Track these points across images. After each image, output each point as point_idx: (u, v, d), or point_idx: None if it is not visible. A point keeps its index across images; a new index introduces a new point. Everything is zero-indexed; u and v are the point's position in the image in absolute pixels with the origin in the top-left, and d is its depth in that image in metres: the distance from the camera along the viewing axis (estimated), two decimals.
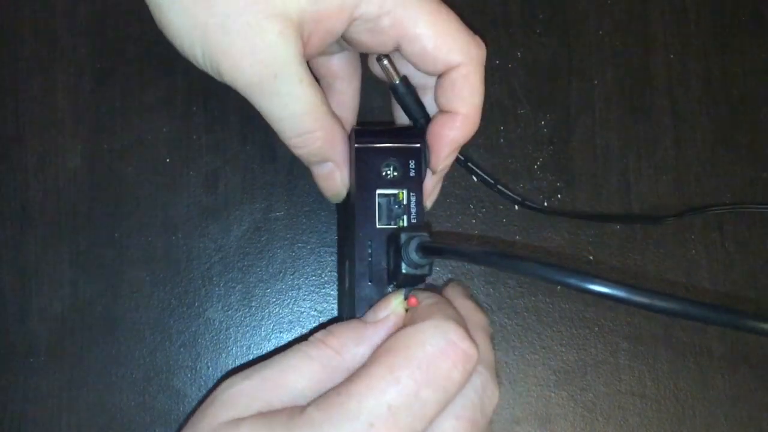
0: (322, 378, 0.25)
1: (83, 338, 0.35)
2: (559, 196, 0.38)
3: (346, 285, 0.31)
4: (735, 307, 0.20)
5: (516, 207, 0.38)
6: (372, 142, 0.30)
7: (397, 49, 0.30)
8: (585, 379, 0.37)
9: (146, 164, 0.37)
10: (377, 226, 0.29)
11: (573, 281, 0.21)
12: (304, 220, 0.37)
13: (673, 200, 0.38)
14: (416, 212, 0.30)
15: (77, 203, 0.36)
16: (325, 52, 0.32)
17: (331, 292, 0.36)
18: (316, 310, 0.36)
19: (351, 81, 0.34)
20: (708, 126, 0.39)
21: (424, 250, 0.27)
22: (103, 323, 0.35)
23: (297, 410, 0.24)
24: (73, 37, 0.37)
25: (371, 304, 0.28)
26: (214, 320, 0.36)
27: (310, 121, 0.29)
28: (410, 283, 0.28)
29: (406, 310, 0.27)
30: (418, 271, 0.27)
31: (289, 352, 0.26)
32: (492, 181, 0.36)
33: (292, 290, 0.36)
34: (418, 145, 0.30)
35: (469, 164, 0.35)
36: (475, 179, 0.38)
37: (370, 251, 0.29)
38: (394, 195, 0.30)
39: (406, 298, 0.27)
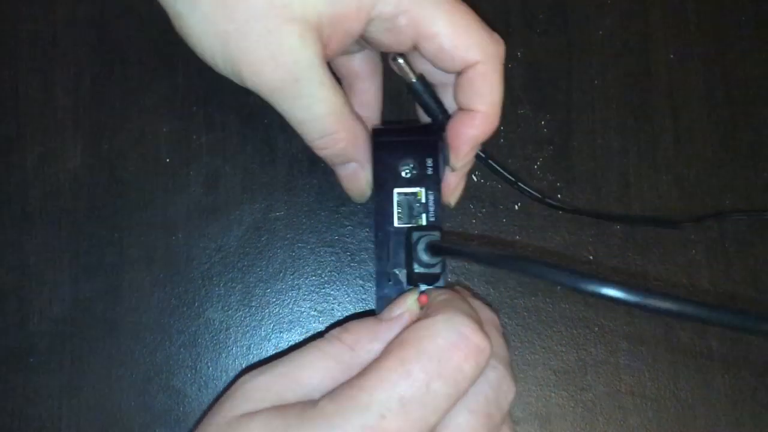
0: (336, 374, 0.25)
1: (83, 338, 0.35)
2: (559, 196, 0.38)
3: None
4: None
5: (516, 207, 0.38)
6: (389, 140, 0.30)
7: (416, 48, 0.30)
8: (585, 379, 0.37)
9: (146, 164, 0.37)
10: (395, 225, 0.30)
11: (582, 285, 0.21)
12: (304, 220, 0.37)
13: (673, 200, 0.38)
14: (434, 211, 0.30)
15: (77, 203, 0.36)
16: (345, 52, 0.32)
17: (331, 292, 0.36)
18: (316, 310, 0.36)
19: (372, 80, 0.34)
20: (708, 126, 0.39)
21: (433, 249, 0.27)
22: (103, 323, 0.35)
23: (310, 404, 0.24)
24: (73, 37, 0.37)
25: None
26: (214, 320, 0.36)
27: (332, 123, 0.29)
28: (425, 282, 0.29)
29: (421, 308, 0.27)
30: (430, 270, 0.28)
31: (305, 349, 0.26)
32: (513, 179, 0.36)
33: (292, 290, 0.36)
34: (436, 143, 0.30)
35: (490, 161, 0.35)
36: (475, 178, 0.38)
37: (388, 251, 0.29)
38: (413, 193, 0.30)
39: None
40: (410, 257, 0.28)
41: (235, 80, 0.28)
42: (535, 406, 0.36)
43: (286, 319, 0.36)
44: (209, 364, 0.36)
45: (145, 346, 0.35)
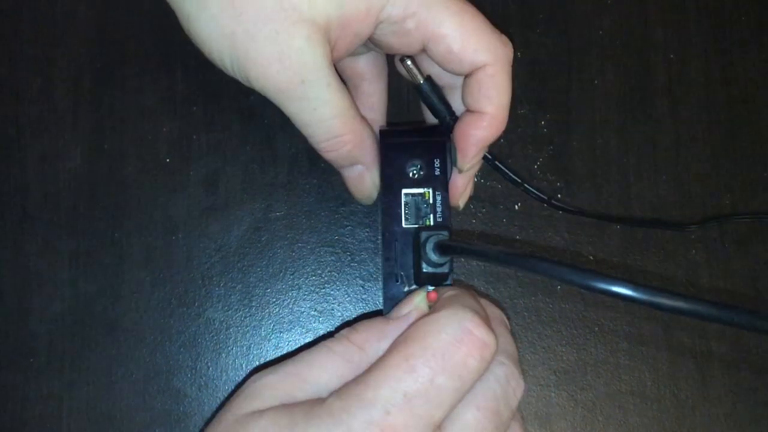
0: (345, 373, 0.26)
1: (83, 338, 0.35)
2: (559, 196, 0.38)
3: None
4: None
5: (516, 207, 0.38)
6: (397, 142, 0.31)
7: (424, 50, 0.30)
8: (585, 379, 0.37)
9: (146, 164, 0.37)
10: (403, 226, 0.30)
11: (592, 283, 0.21)
12: (304, 220, 0.37)
13: (672, 200, 0.38)
14: (441, 211, 0.30)
15: (77, 203, 0.36)
16: (351, 54, 0.32)
17: (331, 292, 0.36)
18: (316, 310, 0.36)
19: (378, 82, 0.34)
20: (708, 126, 0.39)
21: (441, 248, 0.27)
22: (103, 323, 0.35)
23: (318, 401, 0.24)
24: (73, 37, 0.37)
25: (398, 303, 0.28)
26: (214, 320, 0.36)
27: (339, 126, 0.29)
28: (433, 282, 0.29)
29: (430, 307, 0.27)
30: (438, 270, 0.28)
31: (314, 349, 0.26)
32: (519, 180, 0.36)
33: (292, 290, 0.36)
34: (443, 144, 0.30)
35: (497, 163, 0.35)
36: (475, 177, 0.38)
37: (396, 251, 0.29)
38: (420, 194, 0.30)
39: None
40: (419, 257, 0.28)
41: (243, 81, 0.28)
42: (535, 406, 0.36)
43: (286, 319, 0.36)
44: (209, 364, 0.36)
45: (145, 346, 0.35)
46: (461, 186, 0.32)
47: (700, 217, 0.38)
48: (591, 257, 0.38)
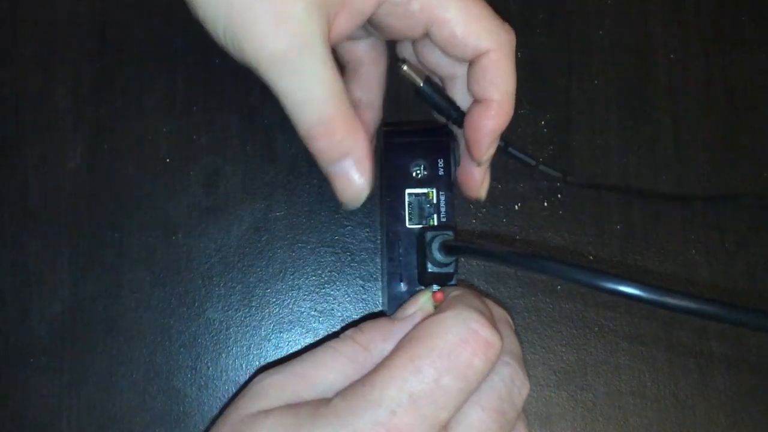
0: (350, 373, 0.25)
1: (83, 338, 0.35)
2: (559, 195, 0.38)
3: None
4: None
5: (516, 207, 0.38)
6: (400, 141, 0.31)
7: (427, 35, 0.29)
8: (585, 379, 0.37)
9: (146, 164, 0.37)
10: (407, 226, 0.30)
11: (601, 282, 0.21)
12: (304, 220, 0.37)
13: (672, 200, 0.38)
14: (445, 211, 0.30)
15: (77, 203, 0.36)
16: (350, 37, 0.31)
17: (331, 292, 0.36)
18: (316, 310, 0.36)
19: (377, 66, 0.34)
20: (708, 126, 0.39)
21: (447, 248, 0.27)
22: (103, 323, 0.35)
23: (323, 402, 0.24)
24: (73, 37, 0.37)
25: (402, 304, 0.28)
26: (214, 320, 0.36)
27: (331, 108, 0.27)
28: (438, 282, 0.29)
29: (435, 307, 0.27)
30: (443, 270, 0.28)
31: (320, 349, 0.26)
32: (533, 162, 0.36)
33: (292, 290, 0.36)
34: (447, 144, 0.30)
35: (509, 148, 0.35)
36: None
37: (400, 251, 0.29)
38: (424, 194, 0.30)
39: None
40: (423, 257, 0.28)
41: (235, 52, 0.27)
42: (535, 406, 0.36)
43: (286, 319, 0.36)
44: (209, 364, 0.36)
45: (145, 346, 0.35)
46: (479, 178, 0.32)
47: (700, 217, 0.38)
48: (591, 257, 0.38)
